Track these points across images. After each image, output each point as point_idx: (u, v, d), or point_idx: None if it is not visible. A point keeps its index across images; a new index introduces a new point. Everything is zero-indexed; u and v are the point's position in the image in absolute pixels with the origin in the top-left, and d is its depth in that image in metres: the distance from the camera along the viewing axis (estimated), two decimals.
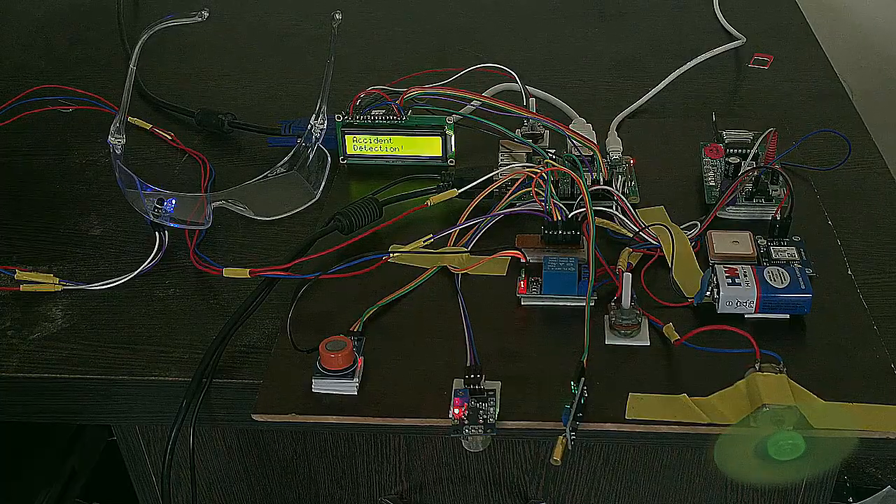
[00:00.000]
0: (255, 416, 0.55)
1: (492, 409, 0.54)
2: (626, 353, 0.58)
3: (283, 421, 0.55)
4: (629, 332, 0.59)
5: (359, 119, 0.75)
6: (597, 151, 0.70)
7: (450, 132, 0.74)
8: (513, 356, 0.58)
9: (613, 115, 0.82)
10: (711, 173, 0.73)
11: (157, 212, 0.68)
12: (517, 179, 0.67)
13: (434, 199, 0.68)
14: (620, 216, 0.66)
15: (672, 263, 0.63)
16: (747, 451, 0.53)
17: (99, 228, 0.72)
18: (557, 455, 0.53)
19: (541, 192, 0.65)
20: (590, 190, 0.65)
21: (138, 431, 0.67)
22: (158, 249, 0.68)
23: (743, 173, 0.69)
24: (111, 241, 0.71)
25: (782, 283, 0.59)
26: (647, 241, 0.65)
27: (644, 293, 0.62)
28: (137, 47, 0.66)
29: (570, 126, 0.74)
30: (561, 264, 0.62)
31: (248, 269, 0.64)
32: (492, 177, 0.68)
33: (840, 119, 0.83)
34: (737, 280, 0.59)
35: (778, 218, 0.66)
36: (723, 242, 0.65)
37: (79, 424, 0.89)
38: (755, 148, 0.71)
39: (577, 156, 0.68)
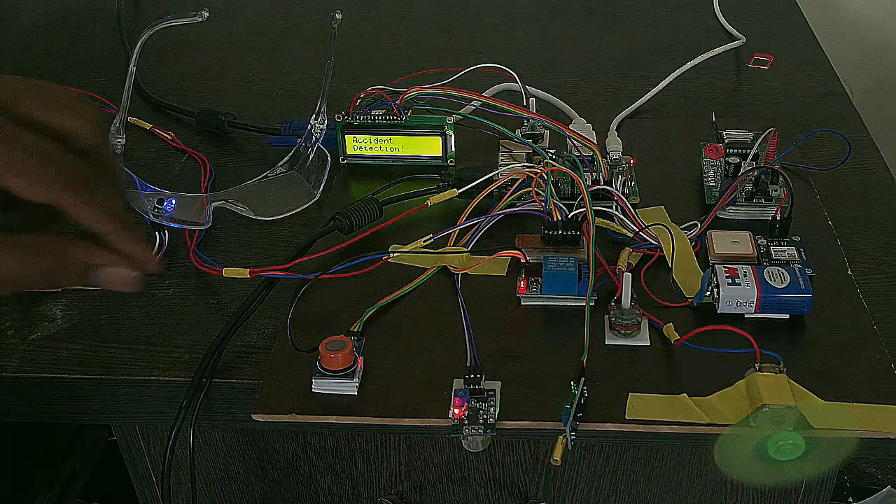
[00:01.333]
0: (255, 416, 0.55)
1: (492, 409, 0.54)
2: (626, 353, 0.58)
3: (283, 421, 0.55)
4: (629, 332, 0.59)
5: (359, 119, 0.75)
6: (597, 151, 0.70)
7: (450, 132, 0.74)
8: (513, 356, 0.58)
9: (613, 115, 0.82)
10: (711, 173, 0.73)
11: (157, 212, 0.68)
12: (517, 179, 0.67)
13: (434, 199, 0.68)
14: (620, 216, 0.66)
15: (672, 263, 0.63)
16: (747, 451, 0.53)
17: None
18: (557, 455, 0.53)
19: (541, 192, 0.65)
20: (590, 190, 0.65)
21: (138, 431, 0.67)
22: (158, 249, 0.68)
23: (743, 173, 0.69)
24: None
25: (782, 283, 0.59)
26: (647, 241, 0.65)
27: (644, 293, 0.62)
28: (137, 47, 0.66)
29: (570, 126, 0.74)
30: (561, 264, 0.62)
31: (248, 269, 0.64)
32: (492, 177, 0.68)
33: (840, 119, 0.83)
34: (737, 280, 0.59)
35: (778, 218, 0.66)
36: (723, 242, 0.65)
37: (79, 424, 0.89)
38: (755, 148, 0.71)
39: (577, 156, 0.68)
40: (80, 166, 0.43)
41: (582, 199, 0.64)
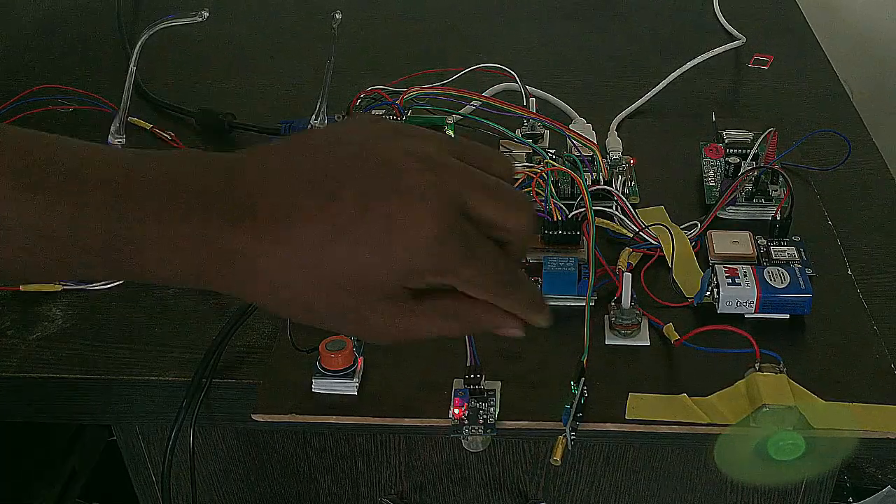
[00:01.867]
0: (254, 416, 0.55)
1: (492, 409, 0.54)
2: (626, 353, 0.58)
3: (283, 421, 0.55)
4: (629, 332, 0.59)
5: None
6: (597, 151, 0.70)
7: (450, 132, 0.74)
8: (513, 356, 0.58)
9: (613, 115, 0.82)
10: (711, 173, 0.73)
11: None
12: (517, 179, 0.67)
13: None
14: (620, 216, 0.66)
15: (672, 263, 0.63)
16: (747, 451, 0.53)
17: None
18: (557, 455, 0.53)
19: (541, 192, 0.65)
20: (590, 190, 0.65)
21: (138, 431, 0.67)
22: None
23: (743, 173, 0.69)
24: None
25: (782, 283, 0.59)
26: (647, 241, 0.65)
27: (644, 293, 0.62)
28: (137, 47, 0.66)
29: (570, 126, 0.74)
30: (561, 264, 0.62)
31: None
32: None
33: (840, 119, 0.83)
34: (737, 280, 0.59)
35: (778, 218, 0.66)
36: (723, 242, 0.65)
37: (79, 424, 0.89)
38: (755, 148, 0.71)
39: (577, 156, 0.68)
40: (510, 266, 0.43)
41: (582, 199, 0.64)
